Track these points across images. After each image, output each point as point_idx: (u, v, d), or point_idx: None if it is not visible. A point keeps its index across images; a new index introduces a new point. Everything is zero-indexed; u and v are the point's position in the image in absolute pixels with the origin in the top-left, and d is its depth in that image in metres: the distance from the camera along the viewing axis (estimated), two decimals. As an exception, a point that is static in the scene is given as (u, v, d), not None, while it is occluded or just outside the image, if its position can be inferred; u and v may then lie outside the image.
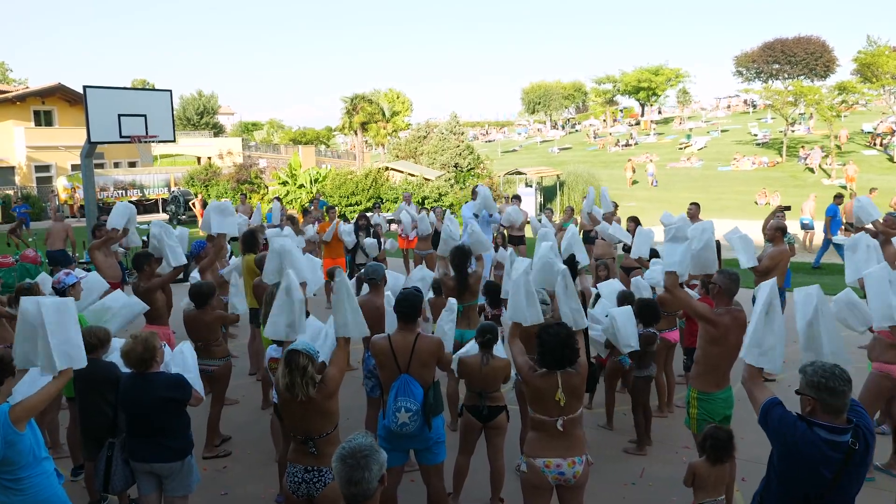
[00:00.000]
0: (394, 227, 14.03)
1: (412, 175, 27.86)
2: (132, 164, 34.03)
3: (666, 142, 43.73)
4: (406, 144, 35.12)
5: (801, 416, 2.70)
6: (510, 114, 74.78)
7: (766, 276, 6.90)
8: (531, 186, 27.11)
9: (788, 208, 8.53)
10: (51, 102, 31.72)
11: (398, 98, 44.65)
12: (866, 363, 5.20)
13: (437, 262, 10.73)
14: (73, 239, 11.17)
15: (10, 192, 27.55)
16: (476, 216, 9.64)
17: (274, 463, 5.10)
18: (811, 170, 30.91)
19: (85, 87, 10.94)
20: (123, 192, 29.20)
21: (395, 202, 25.56)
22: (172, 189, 29.73)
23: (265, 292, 5.31)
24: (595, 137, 48.84)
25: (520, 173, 29.37)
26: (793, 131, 36.99)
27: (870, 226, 7.20)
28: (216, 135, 50.46)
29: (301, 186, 27.73)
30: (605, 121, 57.07)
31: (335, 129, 51.75)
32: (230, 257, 8.54)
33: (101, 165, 31.21)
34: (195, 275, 7.15)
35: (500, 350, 4.40)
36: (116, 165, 33.20)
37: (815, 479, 2.65)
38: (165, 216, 27.57)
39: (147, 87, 44.40)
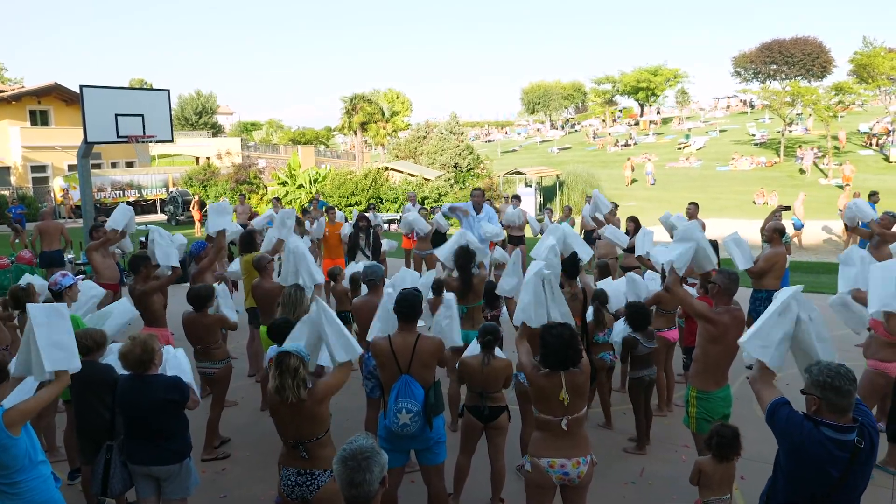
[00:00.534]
0: (393, 227, 14.02)
1: (412, 175, 27.86)
2: (130, 165, 33.99)
3: (665, 142, 43.79)
4: (406, 144, 35.13)
5: (807, 416, 2.70)
6: (510, 114, 74.93)
7: (762, 278, 6.94)
8: (531, 186, 27.14)
9: (788, 208, 8.56)
10: (47, 102, 31.64)
11: (398, 98, 44.68)
12: (863, 361, 5.25)
13: (436, 262, 10.80)
14: (68, 238, 11.09)
15: (6, 193, 27.44)
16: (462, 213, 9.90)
17: (273, 465, 5.09)
18: (802, 171, 30.95)
19: (81, 87, 10.89)
20: (121, 192, 29.16)
21: (395, 202, 25.55)
22: (171, 189, 29.69)
23: (281, 293, 5.30)
24: (594, 137, 48.89)
25: (519, 173, 29.39)
26: (790, 131, 37.06)
27: (863, 225, 7.23)
28: (215, 135, 50.40)
29: (300, 187, 27.70)
30: (604, 121, 57.11)
31: (335, 129, 51.69)
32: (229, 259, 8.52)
33: (98, 166, 31.20)
34: None
35: (498, 350, 4.40)
36: (114, 166, 33.15)
37: (821, 478, 2.65)
38: (164, 217, 27.53)
39: (145, 86, 44.32)
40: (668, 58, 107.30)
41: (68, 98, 30.36)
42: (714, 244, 7.12)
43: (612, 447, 5.45)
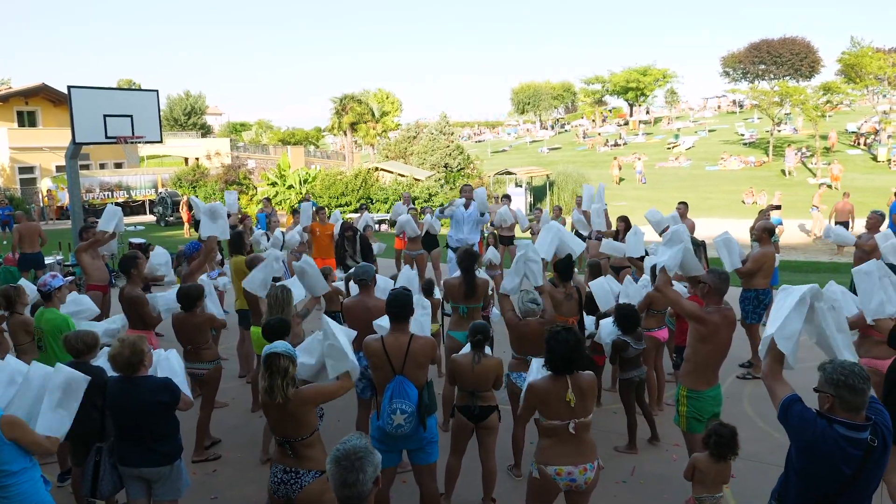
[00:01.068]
0: (384, 227, 13.99)
1: (402, 175, 27.85)
2: (118, 166, 33.72)
3: (654, 142, 44.03)
4: (396, 145, 35.12)
5: (820, 413, 2.70)
6: (500, 114, 75.14)
7: (752, 278, 6.98)
8: (521, 186, 27.20)
9: (779, 207, 8.63)
10: (34, 103, 31.35)
11: (387, 98, 44.61)
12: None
13: (426, 262, 10.80)
14: (45, 239, 10.96)
15: (-7, 195, 27.20)
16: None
17: (263, 466, 5.07)
18: (783, 171, 31.15)
19: (69, 87, 10.80)
20: (109, 193, 28.92)
21: (386, 203, 25.53)
22: (160, 190, 29.48)
23: (268, 293, 5.25)
24: (584, 137, 49.06)
25: (510, 173, 29.46)
26: (779, 131, 37.36)
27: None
28: (204, 135, 50.11)
29: (290, 187, 27.61)
30: (594, 121, 57.31)
31: (324, 129, 51.61)
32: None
33: (86, 167, 30.92)
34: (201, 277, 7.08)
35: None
36: (102, 167, 32.86)
37: (834, 475, 2.64)
38: (153, 218, 27.35)
39: (133, 87, 44.00)
40: (657, 58, 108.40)
41: (56, 99, 30.08)
42: (699, 244, 7.17)
43: (603, 446, 5.46)
